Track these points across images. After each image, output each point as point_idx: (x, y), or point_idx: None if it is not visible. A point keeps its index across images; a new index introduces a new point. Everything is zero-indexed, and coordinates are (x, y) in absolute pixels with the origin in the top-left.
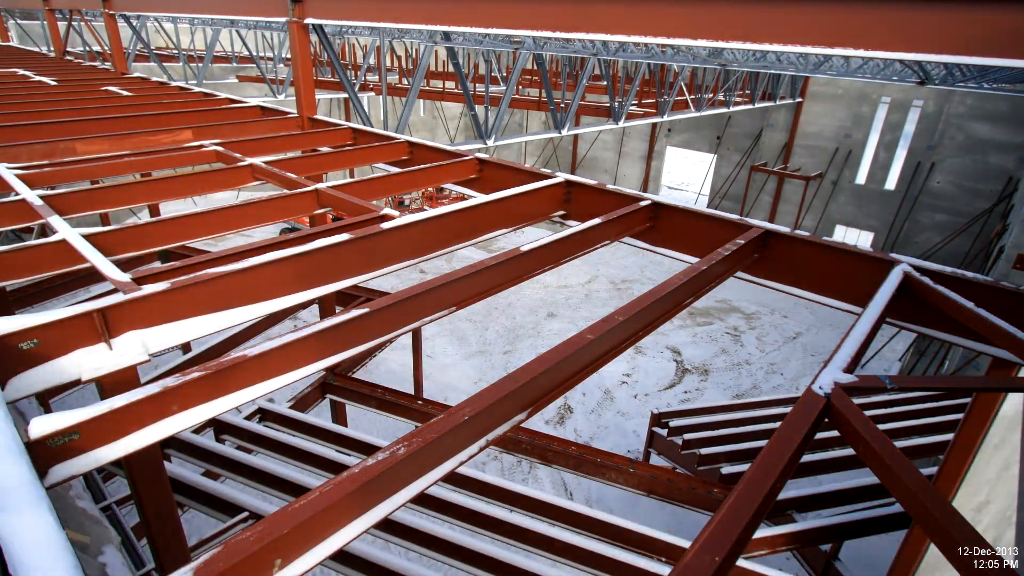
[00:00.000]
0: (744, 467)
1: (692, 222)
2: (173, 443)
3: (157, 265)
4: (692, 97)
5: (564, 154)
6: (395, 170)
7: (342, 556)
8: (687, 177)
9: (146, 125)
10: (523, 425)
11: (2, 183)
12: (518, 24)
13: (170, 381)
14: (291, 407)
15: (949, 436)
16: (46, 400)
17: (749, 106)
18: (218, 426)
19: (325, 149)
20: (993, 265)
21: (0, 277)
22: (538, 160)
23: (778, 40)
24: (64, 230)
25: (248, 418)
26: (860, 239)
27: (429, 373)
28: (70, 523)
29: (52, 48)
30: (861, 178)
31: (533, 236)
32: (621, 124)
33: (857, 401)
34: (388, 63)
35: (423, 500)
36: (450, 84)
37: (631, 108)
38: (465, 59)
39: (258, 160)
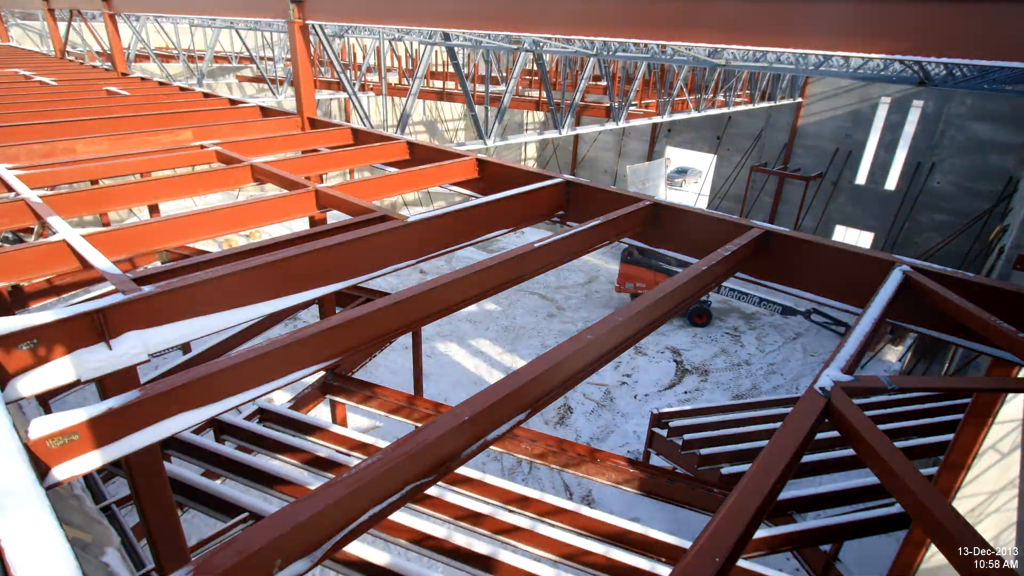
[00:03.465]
0: (744, 467)
1: (692, 222)
2: (173, 443)
3: (157, 265)
4: (692, 97)
5: (564, 154)
6: (395, 170)
7: (342, 556)
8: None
9: (146, 125)
10: (523, 425)
11: (2, 183)
12: (518, 26)
13: (170, 381)
14: (291, 407)
15: (949, 436)
16: (46, 400)
17: (749, 106)
18: (218, 426)
19: (325, 149)
20: (993, 265)
21: (0, 277)
22: (537, 161)
23: (779, 43)
24: (64, 230)
25: (248, 418)
26: (860, 239)
27: (429, 373)
28: (70, 523)
29: (52, 48)
30: (861, 178)
31: (533, 236)
32: (621, 124)
33: (857, 402)
34: (388, 63)
35: (423, 500)
36: (450, 84)
37: (631, 108)
38: (465, 59)
39: (258, 160)
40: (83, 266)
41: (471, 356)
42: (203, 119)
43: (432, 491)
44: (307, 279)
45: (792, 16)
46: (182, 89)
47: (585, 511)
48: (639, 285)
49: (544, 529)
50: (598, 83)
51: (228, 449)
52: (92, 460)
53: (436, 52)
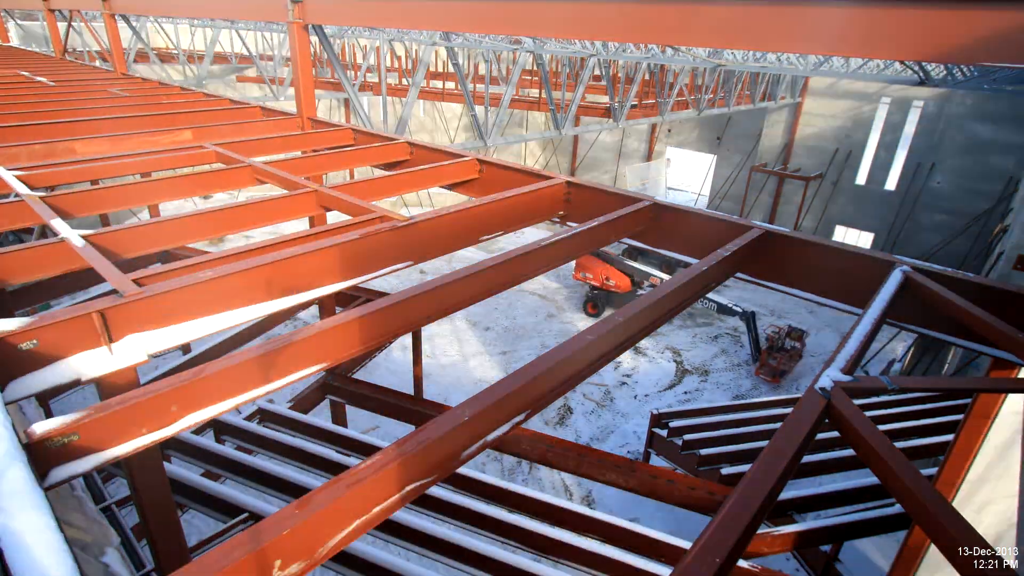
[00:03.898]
0: (744, 468)
1: (692, 223)
2: (173, 443)
3: (157, 266)
4: (692, 97)
5: (564, 154)
6: (395, 171)
7: (342, 556)
8: (687, 177)
9: (146, 125)
10: (523, 426)
11: (2, 184)
12: (520, 28)
13: (170, 381)
14: (291, 408)
15: (949, 437)
16: (46, 400)
17: (749, 106)
18: (218, 427)
19: (325, 150)
20: (993, 266)
21: (0, 277)
22: (537, 161)
23: (783, 47)
24: (64, 231)
25: (248, 418)
26: (860, 239)
27: (429, 373)
28: (70, 523)
29: (52, 48)
30: (861, 178)
31: (533, 237)
32: (621, 124)
33: (857, 402)
34: (388, 63)
35: (423, 500)
36: (450, 84)
37: (631, 108)
38: (465, 59)
39: (258, 160)
40: (83, 266)
41: (471, 356)
42: (203, 119)
43: (432, 491)
44: (307, 279)
45: (793, 19)
46: (182, 89)
47: (585, 511)
48: (587, 275)
49: (544, 529)
50: (598, 83)
51: (228, 449)
52: (92, 460)
53: (436, 52)
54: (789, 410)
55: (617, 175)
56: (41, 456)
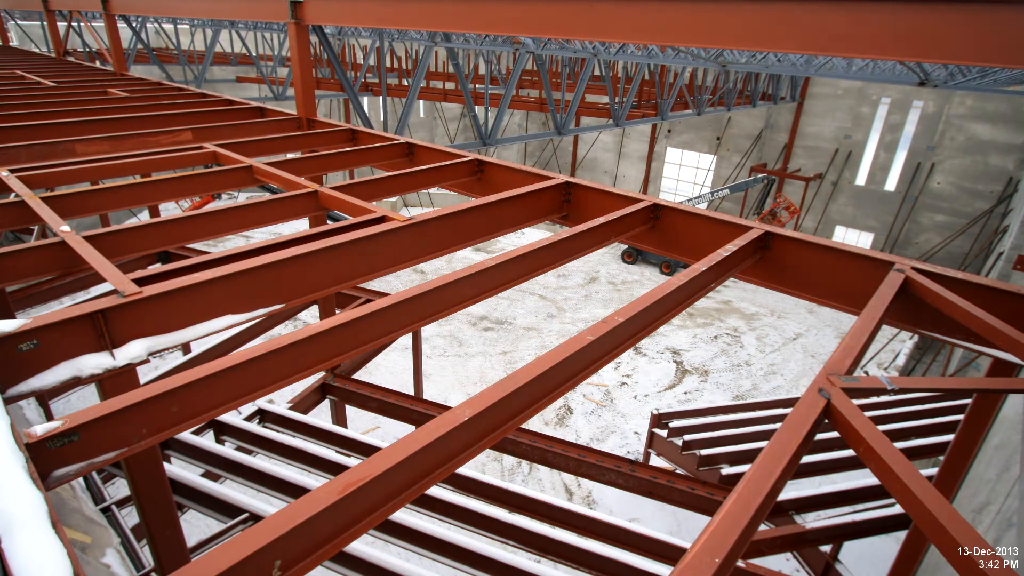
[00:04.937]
0: (744, 468)
1: (691, 223)
2: (173, 444)
3: (157, 266)
4: (692, 97)
5: (564, 155)
6: (395, 171)
7: (342, 556)
8: (687, 178)
9: (146, 126)
10: (523, 426)
11: (2, 184)
12: (518, 28)
13: (170, 381)
14: (291, 408)
15: (949, 437)
16: (46, 400)
17: (749, 107)
18: (218, 427)
19: (325, 150)
20: (993, 266)
21: (0, 277)
22: (538, 161)
23: (784, 47)
24: (64, 231)
25: (248, 419)
26: (860, 240)
27: (429, 374)
28: (70, 525)
29: (52, 49)
30: (861, 179)
31: (533, 237)
32: (621, 124)
33: (857, 402)
34: (388, 63)
35: (423, 501)
36: (450, 84)
37: (631, 108)
38: (465, 60)
39: (257, 161)
40: (83, 267)
41: (471, 356)
42: (202, 120)
43: (432, 491)
44: (307, 280)
45: (794, 19)
46: (181, 90)
47: (585, 511)
48: None
49: (544, 529)
50: (598, 84)
51: (228, 450)
52: (92, 460)
53: (436, 52)
54: (789, 410)
55: (617, 175)
56: (41, 457)
